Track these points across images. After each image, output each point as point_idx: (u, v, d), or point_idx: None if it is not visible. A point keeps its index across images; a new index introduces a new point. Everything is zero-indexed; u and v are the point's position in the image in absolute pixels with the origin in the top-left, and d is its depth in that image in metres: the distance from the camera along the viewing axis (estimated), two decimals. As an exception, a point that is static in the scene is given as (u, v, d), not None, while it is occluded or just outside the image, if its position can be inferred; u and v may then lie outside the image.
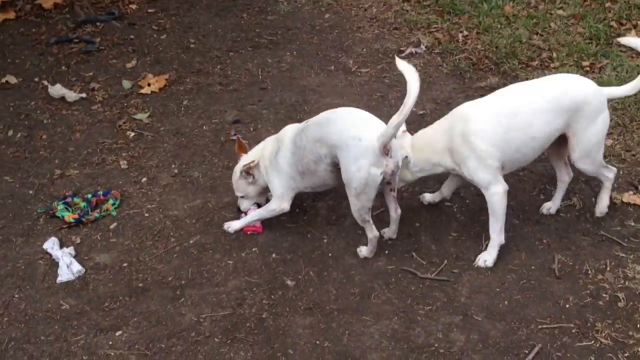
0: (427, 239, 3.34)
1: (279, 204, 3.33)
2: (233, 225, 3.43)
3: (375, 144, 2.88)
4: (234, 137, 4.31)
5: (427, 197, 3.57)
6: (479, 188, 3.09)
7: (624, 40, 3.04)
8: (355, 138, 2.91)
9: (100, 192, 3.73)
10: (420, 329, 2.83)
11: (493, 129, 2.94)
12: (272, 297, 3.04)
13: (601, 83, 4.41)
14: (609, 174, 3.26)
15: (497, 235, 3.11)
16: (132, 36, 5.64)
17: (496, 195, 3.01)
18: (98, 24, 5.84)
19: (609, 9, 5.44)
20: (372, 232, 3.16)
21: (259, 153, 3.40)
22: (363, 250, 3.24)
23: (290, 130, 3.31)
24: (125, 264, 3.27)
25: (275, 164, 3.28)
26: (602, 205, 3.34)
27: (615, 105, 4.19)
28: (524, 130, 2.95)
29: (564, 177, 3.35)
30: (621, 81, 4.41)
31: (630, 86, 3.13)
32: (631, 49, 4.85)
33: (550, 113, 2.95)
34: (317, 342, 2.80)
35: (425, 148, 3.15)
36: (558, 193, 3.40)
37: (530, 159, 3.13)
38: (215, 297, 3.05)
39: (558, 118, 2.97)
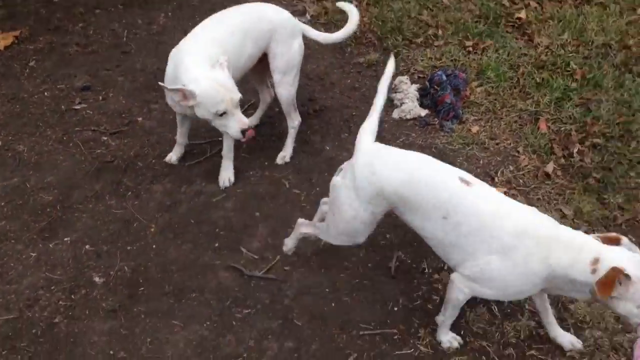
0: (265, 230, 3.05)
1: None
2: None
3: None
4: (77, 107, 3.86)
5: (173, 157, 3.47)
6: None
7: (339, 3, 3.47)
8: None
9: None
10: (231, 336, 2.55)
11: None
12: (72, 297, 2.68)
13: (480, 65, 4.21)
14: (294, 122, 3.46)
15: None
16: (-17, -15, 4.97)
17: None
18: (-55, -33, 5.11)
19: (505, -15, 5.20)
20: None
21: None
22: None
23: None
24: None
25: None
26: (283, 153, 3.48)
27: (489, 90, 3.98)
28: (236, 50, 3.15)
29: (266, 98, 3.65)
30: (500, 63, 4.21)
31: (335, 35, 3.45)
32: (518, 29, 4.67)
33: (241, 35, 3.18)
34: (112, 352, 2.47)
35: None
36: (259, 110, 3.69)
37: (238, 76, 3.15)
38: (2, 297, 2.65)
39: (259, 40, 3.20)
